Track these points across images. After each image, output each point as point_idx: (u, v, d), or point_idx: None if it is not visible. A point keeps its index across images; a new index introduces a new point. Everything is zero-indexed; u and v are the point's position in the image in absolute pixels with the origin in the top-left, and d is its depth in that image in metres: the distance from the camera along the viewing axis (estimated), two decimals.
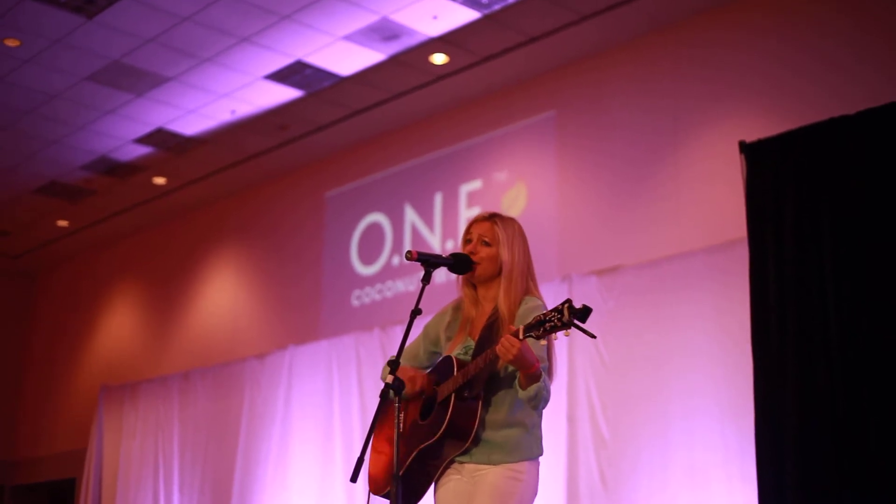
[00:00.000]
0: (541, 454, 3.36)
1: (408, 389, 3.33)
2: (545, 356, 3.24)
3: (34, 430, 12.25)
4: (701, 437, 5.95)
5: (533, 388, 3.15)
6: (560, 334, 2.98)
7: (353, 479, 3.13)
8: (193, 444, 9.47)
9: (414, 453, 3.33)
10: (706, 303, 6.16)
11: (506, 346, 3.05)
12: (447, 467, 3.34)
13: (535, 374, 3.13)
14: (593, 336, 2.94)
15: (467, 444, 3.24)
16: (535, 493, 3.31)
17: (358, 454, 3.14)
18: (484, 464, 3.27)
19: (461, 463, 3.31)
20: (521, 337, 3.03)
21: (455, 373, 3.30)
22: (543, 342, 3.10)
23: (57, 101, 8.45)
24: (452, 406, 3.24)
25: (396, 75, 7.97)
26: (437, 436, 3.25)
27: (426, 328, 3.63)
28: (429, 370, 3.54)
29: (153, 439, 9.85)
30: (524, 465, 3.27)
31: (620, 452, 6.27)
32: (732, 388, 5.84)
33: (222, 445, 9.13)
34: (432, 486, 3.41)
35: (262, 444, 8.69)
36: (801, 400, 5.20)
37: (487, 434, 3.27)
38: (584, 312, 2.89)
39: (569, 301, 2.93)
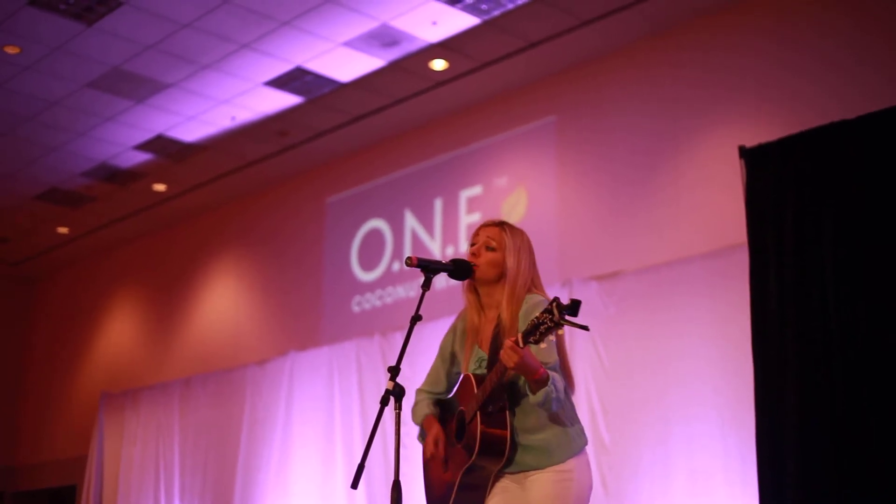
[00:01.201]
0: (585, 444, 3.33)
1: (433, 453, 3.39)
2: (551, 357, 3.23)
3: (35, 437, 12.23)
4: (701, 442, 5.94)
5: (541, 394, 3.14)
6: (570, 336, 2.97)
7: (354, 485, 3.13)
8: (194, 451, 9.46)
9: (460, 475, 3.33)
10: (706, 308, 6.15)
11: (508, 354, 3.05)
12: (497, 479, 3.33)
13: (541, 379, 3.12)
14: (586, 328, 2.91)
15: (505, 457, 3.24)
16: (591, 486, 3.31)
17: (359, 460, 3.14)
18: (532, 469, 3.26)
19: (511, 473, 3.30)
20: (521, 345, 3.03)
21: (475, 390, 3.30)
22: (544, 345, 3.10)
23: (57, 107, 8.45)
24: (480, 423, 3.24)
25: (396, 81, 7.97)
26: (474, 456, 3.25)
27: (441, 349, 3.63)
28: (452, 394, 3.55)
29: (154, 446, 9.83)
30: (571, 463, 3.26)
31: (621, 457, 6.26)
32: (732, 393, 5.83)
33: (223, 452, 9.12)
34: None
35: (263, 450, 8.68)
36: (801, 400, 5.21)
37: (525, 439, 3.26)
38: (574, 306, 2.87)
39: (556, 299, 2.92)
